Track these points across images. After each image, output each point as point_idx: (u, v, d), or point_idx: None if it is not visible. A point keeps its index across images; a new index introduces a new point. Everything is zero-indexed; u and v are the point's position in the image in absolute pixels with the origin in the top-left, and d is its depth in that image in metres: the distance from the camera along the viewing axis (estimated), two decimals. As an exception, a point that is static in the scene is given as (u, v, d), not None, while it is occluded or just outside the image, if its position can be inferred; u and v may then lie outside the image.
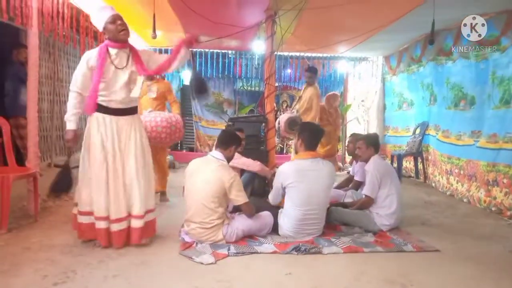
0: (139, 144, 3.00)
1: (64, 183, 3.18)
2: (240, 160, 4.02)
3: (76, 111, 2.95)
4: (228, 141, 3.25)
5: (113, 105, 2.94)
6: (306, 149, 3.31)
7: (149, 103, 4.49)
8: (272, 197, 3.42)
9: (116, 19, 2.90)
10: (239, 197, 3.07)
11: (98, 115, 2.92)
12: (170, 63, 3.09)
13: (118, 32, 2.89)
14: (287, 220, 3.25)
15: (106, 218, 2.86)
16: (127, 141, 2.96)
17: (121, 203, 2.88)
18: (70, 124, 2.94)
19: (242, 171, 4.08)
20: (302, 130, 3.42)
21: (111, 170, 2.88)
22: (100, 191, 2.86)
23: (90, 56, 2.92)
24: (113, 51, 2.93)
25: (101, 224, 2.86)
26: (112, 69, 2.92)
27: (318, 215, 3.26)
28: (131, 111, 3.05)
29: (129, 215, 2.93)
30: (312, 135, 3.35)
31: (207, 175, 3.03)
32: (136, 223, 2.91)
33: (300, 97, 5.98)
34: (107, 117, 2.92)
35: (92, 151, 2.89)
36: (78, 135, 2.99)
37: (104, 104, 2.92)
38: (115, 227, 2.87)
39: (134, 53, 3.01)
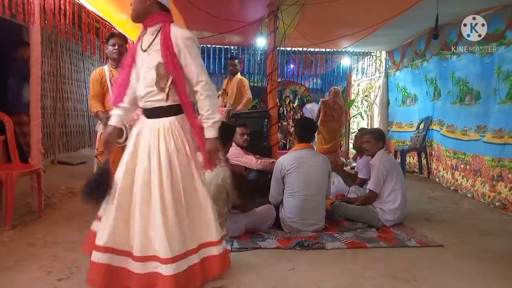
0: (166, 161, 2.13)
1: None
2: (242, 159, 4.02)
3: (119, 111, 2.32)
4: (224, 137, 3.17)
5: (140, 103, 2.28)
6: (299, 141, 3.51)
7: None
8: (272, 194, 3.42)
9: None
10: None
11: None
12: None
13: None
14: (288, 210, 3.30)
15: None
16: (148, 154, 2.15)
17: (124, 234, 2.14)
18: (111, 119, 2.34)
19: (246, 167, 4.08)
20: (295, 126, 3.73)
21: (123, 189, 2.16)
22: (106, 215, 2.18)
23: None
24: (144, 30, 2.29)
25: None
26: (139, 52, 2.26)
27: (318, 202, 3.32)
28: (158, 113, 2.21)
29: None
30: (302, 129, 3.54)
31: (208, 179, 2.96)
32: (163, 270, 2.04)
33: (224, 90, 5.66)
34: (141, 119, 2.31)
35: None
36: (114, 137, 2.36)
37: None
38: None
39: (164, 35, 2.16)
